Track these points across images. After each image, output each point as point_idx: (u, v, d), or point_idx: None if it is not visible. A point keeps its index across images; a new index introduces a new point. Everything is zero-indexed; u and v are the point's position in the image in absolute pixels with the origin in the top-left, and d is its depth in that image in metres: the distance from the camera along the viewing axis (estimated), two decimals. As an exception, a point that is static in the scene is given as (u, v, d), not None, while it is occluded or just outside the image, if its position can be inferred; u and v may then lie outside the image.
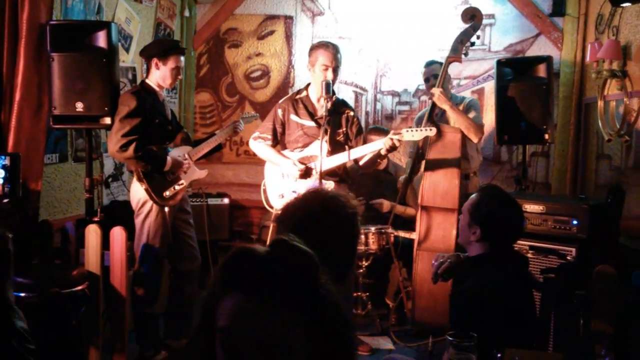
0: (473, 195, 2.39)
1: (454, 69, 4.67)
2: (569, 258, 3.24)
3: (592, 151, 4.63)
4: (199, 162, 3.87)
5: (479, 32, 4.03)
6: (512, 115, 4.12)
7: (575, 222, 3.28)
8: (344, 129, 3.76)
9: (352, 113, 3.81)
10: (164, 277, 3.82)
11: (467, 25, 4.02)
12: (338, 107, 3.77)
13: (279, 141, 3.84)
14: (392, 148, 3.50)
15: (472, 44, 4.02)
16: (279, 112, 3.78)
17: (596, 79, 4.23)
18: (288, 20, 5.50)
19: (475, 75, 5.15)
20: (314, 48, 3.72)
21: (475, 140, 4.10)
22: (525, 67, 4.27)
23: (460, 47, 3.98)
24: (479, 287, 2.20)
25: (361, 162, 3.75)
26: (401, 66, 5.30)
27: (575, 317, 2.90)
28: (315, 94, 3.74)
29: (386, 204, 4.53)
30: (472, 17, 4.01)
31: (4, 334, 1.18)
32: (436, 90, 3.95)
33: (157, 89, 3.64)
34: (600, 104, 4.26)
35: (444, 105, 3.96)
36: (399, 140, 3.47)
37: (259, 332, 1.07)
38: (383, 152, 3.53)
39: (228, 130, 3.98)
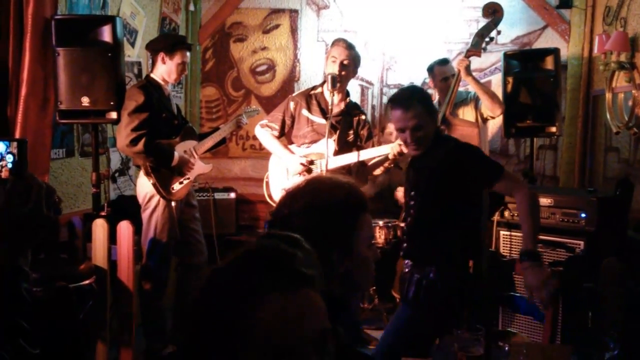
0: None
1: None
2: (577, 251, 3.22)
3: (600, 144, 4.60)
4: (204, 156, 3.88)
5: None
6: (519, 108, 4.10)
7: (583, 215, 3.27)
8: (355, 131, 3.74)
9: (363, 117, 3.81)
10: (171, 271, 3.83)
11: (488, 20, 4.00)
12: (351, 109, 3.76)
13: (285, 133, 3.83)
14: (400, 154, 3.43)
15: (492, 39, 4.01)
16: (291, 105, 3.77)
17: (604, 71, 4.20)
18: (293, 13, 5.48)
19: (483, 68, 5.12)
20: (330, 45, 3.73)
21: (498, 112, 4.05)
22: (533, 59, 4.25)
23: (481, 41, 3.97)
24: None
25: (368, 165, 3.72)
26: (407, 59, 5.28)
27: (584, 310, 2.89)
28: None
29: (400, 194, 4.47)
30: (494, 12, 4.00)
31: (12, 299, 1.23)
32: (465, 61, 3.93)
33: (162, 83, 3.65)
34: (608, 96, 4.23)
35: (469, 77, 3.96)
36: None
37: None
38: (390, 156, 3.48)
39: (232, 124, 4.00)
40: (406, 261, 2.87)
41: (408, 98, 2.72)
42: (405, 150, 3.35)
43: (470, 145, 2.88)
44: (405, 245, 2.86)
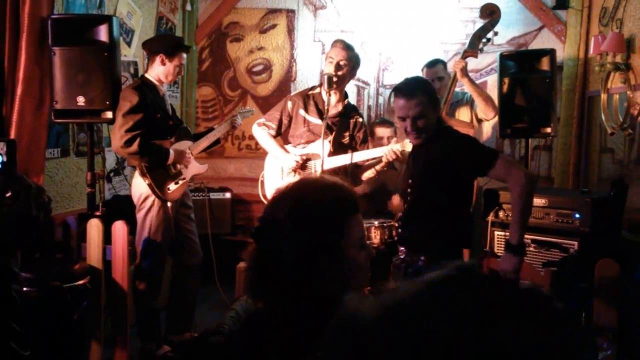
0: None
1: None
2: (571, 251, 3.23)
3: (595, 144, 4.61)
4: (199, 156, 3.88)
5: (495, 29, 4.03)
6: (514, 109, 4.10)
7: (577, 215, 3.27)
8: (350, 133, 3.74)
9: (360, 119, 3.80)
10: (166, 271, 3.83)
11: (485, 21, 4.00)
12: (348, 111, 3.76)
13: (281, 133, 3.84)
14: (394, 158, 3.40)
15: (488, 40, 4.02)
16: (289, 104, 3.77)
17: (600, 72, 4.21)
18: (290, 13, 5.48)
19: (478, 68, 5.12)
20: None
21: (491, 115, 4.09)
22: (529, 60, 4.23)
23: (478, 42, 3.97)
24: None
25: (362, 167, 3.71)
26: (403, 59, 5.28)
27: (578, 310, 2.89)
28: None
29: (395, 202, 4.46)
30: (491, 13, 4.00)
31: (2, 300, 1.23)
32: (461, 62, 3.93)
33: (157, 83, 3.65)
34: (603, 97, 4.23)
35: (465, 78, 3.96)
36: (402, 152, 3.36)
37: None
38: (384, 159, 3.46)
39: (226, 125, 4.01)
40: (401, 248, 2.91)
41: (412, 87, 2.79)
42: (399, 155, 3.37)
43: (466, 135, 2.95)
44: (400, 231, 2.93)
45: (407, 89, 2.79)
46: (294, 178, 3.63)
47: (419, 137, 2.80)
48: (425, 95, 2.76)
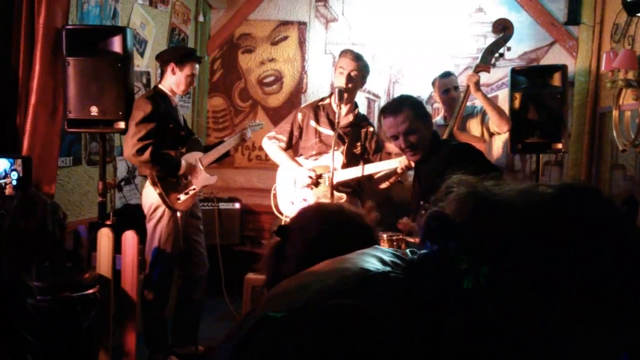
0: None
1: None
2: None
3: (606, 161, 4.60)
4: (210, 166, 3.90)
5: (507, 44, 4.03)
6: (526, 124, 4.09)
7: (588, 232, 3.25)
8: (362, 143, 3.74)
9: (371, 129, 3.79)
10: (173, 282, 3.84)
11: (498, 36, 4.01)
12: (359, 121, 3.75)
13: (292, 145, 3.84)
14: (409, 168, 3.39)
15: (501, 55, 4.02)
16: (299, 116, 3.78)
17: (611, 89, 4.20)
18: (301, 26, 5.51)
19: (490, 83, 5.12)
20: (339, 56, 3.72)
21: (505, 129, 4.04)
22: (540, 75, 4.23)
23: (490, 57, 3.97)
24: None
25: (375, 178, 3.70)
26: (414, 73, 5.29)
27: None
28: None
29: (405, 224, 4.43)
30: (504, 28, 4.01)
31: (18, 314, 1.24)
32: (475, 77, 3.90)
33: (170, 94, 3.68)
34: (615, 113, 4.22)
35: (478, 92, 3.94)
36: None
37: None
38: (399, 170, 3.45)
39: (236, 138, 4.03)
40: None
41: (397, 104, 2.79)
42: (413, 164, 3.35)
43: (469, 146, 2.89)
44: None
45: (392, 106, 2.80)
46: (307, 191, 3.64)
47: (415, 153, 2.79)
48: (411, 109, 2.75)
